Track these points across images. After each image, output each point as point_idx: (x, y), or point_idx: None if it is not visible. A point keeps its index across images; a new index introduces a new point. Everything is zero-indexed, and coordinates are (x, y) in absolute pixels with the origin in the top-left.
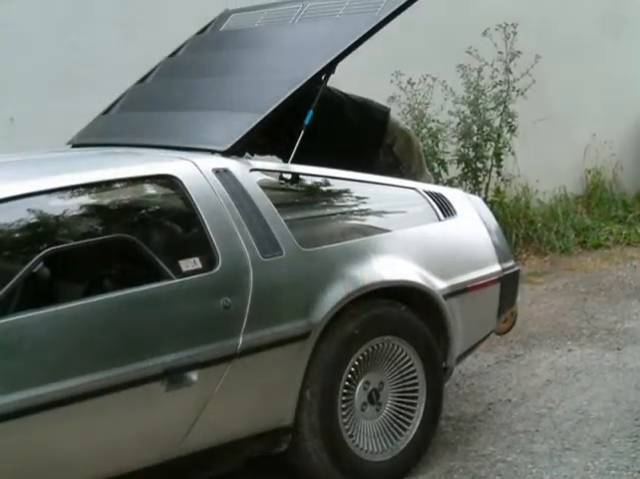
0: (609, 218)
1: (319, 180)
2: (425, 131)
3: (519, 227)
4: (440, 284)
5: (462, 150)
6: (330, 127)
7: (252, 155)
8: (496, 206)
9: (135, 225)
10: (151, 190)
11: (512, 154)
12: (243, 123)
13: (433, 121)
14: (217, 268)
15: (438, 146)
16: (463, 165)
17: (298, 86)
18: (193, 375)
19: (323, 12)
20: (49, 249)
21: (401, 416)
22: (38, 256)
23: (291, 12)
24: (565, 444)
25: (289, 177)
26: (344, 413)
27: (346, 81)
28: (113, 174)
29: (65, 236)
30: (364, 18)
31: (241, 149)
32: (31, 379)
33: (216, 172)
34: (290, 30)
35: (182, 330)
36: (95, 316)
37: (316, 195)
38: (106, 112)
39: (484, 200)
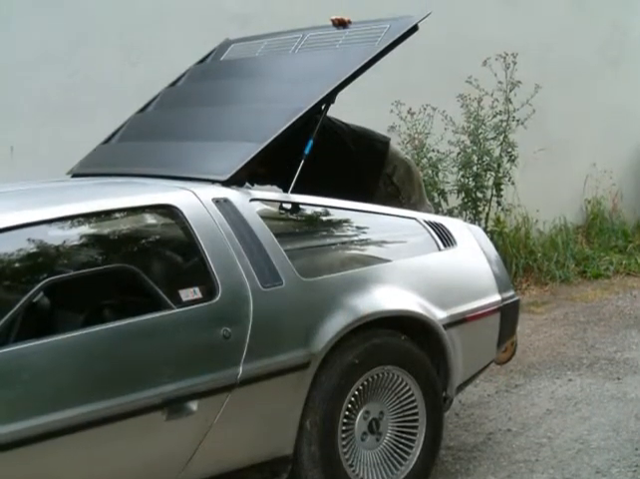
0: (609, 247)
1: (319, 209)
2: (425, 160)
3: (519, 256)
4: (440, 314)
5: (462, 179)
6: (330, 156)
7: (252, 185)
8: (496, 235)
9: (135, 254)
10: (151, 219)
11: (512, 183)
12: (243, 152)
13: (433, 151)
14: (217, 298)
15: (438, 175)
16: (463, 194)
17: (298, 116)
18: (193, 405)
19: (323, 42)
20: (49, 279)
21: (401, 446)
22: (38, 286)
23: (291, 42)
24: (565, 474)
25: (289, 206)
26: (344, 443)
27: (346, 110)
28: (113, 203)
29: (65, 265)
30: (363, 48)
31: (241, 179)
32: (30, 409)
33: (216, 201)
34: (290, 60)
35: (182, 360)
36: (95, 346)
37: (316, 224)
38: (106, 141)
39: (484, 229)
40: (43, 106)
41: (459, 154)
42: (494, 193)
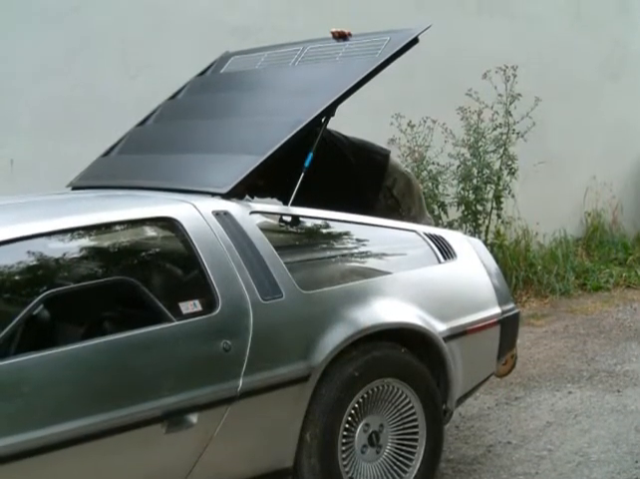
0: (609, 260)
1: (319, 222)
2: (425, 173)
3: (519, 269)
4: (440, 327)
5: (462, 192)
6: (330, 169)
7: (252, 197)
8: (496, 248)
9: (135, 267)
10: (151, 232)
11: (512, 196)
12: (243, 165)
13: (433, 163)
14: (217, 311)
15: (438, 188)
16: (463, 207)
17: (298, 128)
18: (193, 418)
19: (323, 54)
20: (49, 292)
21: (401, 458)
22: (38, 299)
23: (291, 54)
24: None
25: (289, 219)
26: (344, 455)
27: (346, 123)
28: (113, 216)
29: (65, 278)
30: (364, 60)
31: (242, 191)
32: (31, 422)
33: (216, 214)
34: (290, 72)
35: (182, 373)
36: (95, 359)
37: (316, 237)
38: (106, 154)
39: (484, 242)
40: (42, 119)
41: (459, 166)
42: (494, 205)
